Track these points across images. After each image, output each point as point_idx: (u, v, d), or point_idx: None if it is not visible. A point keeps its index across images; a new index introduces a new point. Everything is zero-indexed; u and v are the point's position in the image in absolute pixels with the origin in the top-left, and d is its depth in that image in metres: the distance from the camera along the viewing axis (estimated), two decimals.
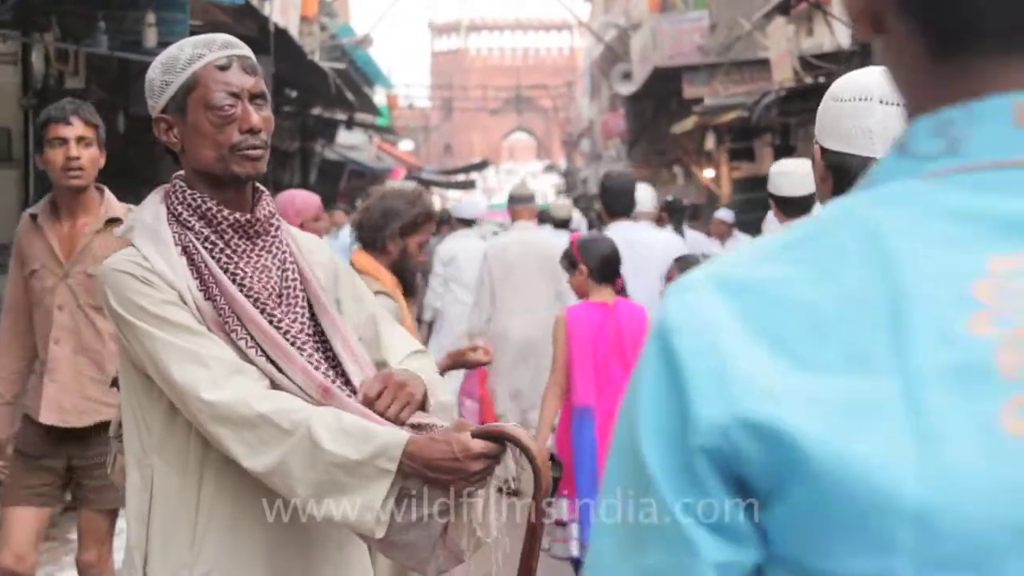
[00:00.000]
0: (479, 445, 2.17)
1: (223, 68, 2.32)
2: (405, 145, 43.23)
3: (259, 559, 2.32)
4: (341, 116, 21.80)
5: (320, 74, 15.89)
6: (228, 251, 2.32)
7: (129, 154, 11.79)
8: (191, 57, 2.33)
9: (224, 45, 2.36)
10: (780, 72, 13.86)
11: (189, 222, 2.33)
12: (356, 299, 2.55)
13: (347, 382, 2.35)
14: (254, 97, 2.34)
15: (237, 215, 2.34)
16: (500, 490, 2.28)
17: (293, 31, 14.97)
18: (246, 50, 2.39)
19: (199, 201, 2.34)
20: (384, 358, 2.51)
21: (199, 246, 2.31)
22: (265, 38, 12.27)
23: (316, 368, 2.29)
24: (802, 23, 15.29)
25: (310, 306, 2.40)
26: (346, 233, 12.57)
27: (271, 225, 2.39)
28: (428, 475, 2.17)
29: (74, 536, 7.45)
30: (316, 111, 20.39)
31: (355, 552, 2.48)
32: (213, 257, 2.31)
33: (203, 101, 2.31)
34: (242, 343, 2.27)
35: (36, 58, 10.12)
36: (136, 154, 11.26)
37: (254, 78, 2.35)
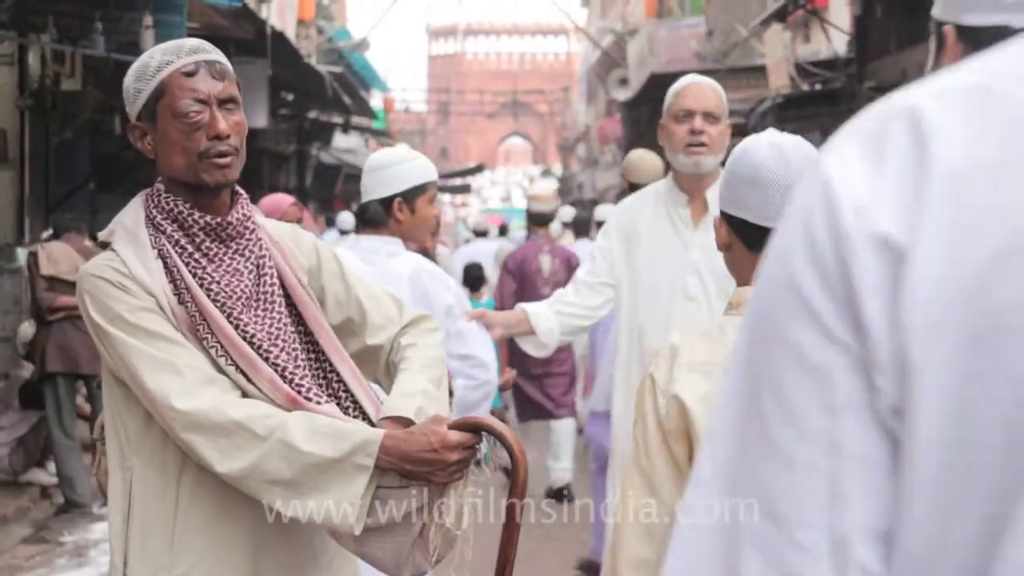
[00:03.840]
0: (456, 436, 2.22)
1: (190, 74, 2.30)
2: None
3: (241, 560, 2.32)
4: (337, 119, 21.79)
5: (317, 77, 15.89)
6: (198, 255, 2.32)
7: (125, 156, 11.78)
8: (160, 64, 2.32)
9: (192, 51, 2.33)
10: (776, 79, 13.87)
11: (163, 226, 2.33)
12: (342, 281, 2.53)
13: (339, 379, 2.37)
14: (224, 102, 2.31)
15: (208, 218, 2.33)
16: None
17: (290, 34, 14.95)
18: (216, 54, 2.36)
19: (172, 204, 2.33)
20: (375, 342, 2.51)
21: (171, 250, 2.31)
22: (262, 41, 12.27)
23: (286, 377, 2.28)
24: (798, 30, 15.30)
25: (296, 308, 2.40)
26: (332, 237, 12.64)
27: (245, 228, 2.37)
28: (406, 468, 2.20)
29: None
30: (312, 114, 20.38)
31: (340, 552, 2.48)
32: (184, 261, 2.31)
33: (171, 108, 2.30)
34: (213, 351, 2.27)
35: (32, 59, 10.11)
36: (132, 155, 11.24)
37: (223, 83, 2.32)
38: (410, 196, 3.81)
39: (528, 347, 4.37)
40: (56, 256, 7.96)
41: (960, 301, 0.72)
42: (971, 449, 0.72)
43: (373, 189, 3.85)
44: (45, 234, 11.10)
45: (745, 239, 2.13)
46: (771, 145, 2.13)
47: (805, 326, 0.77)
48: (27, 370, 8.81)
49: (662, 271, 4.17)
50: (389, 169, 3.82)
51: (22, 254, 10.10)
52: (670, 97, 4.20)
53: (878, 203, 0.75)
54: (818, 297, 0.77)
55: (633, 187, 6.51)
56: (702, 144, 4.05)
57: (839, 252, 0.76)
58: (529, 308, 4.28)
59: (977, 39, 1.56)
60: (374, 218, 3.85)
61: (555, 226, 10.76)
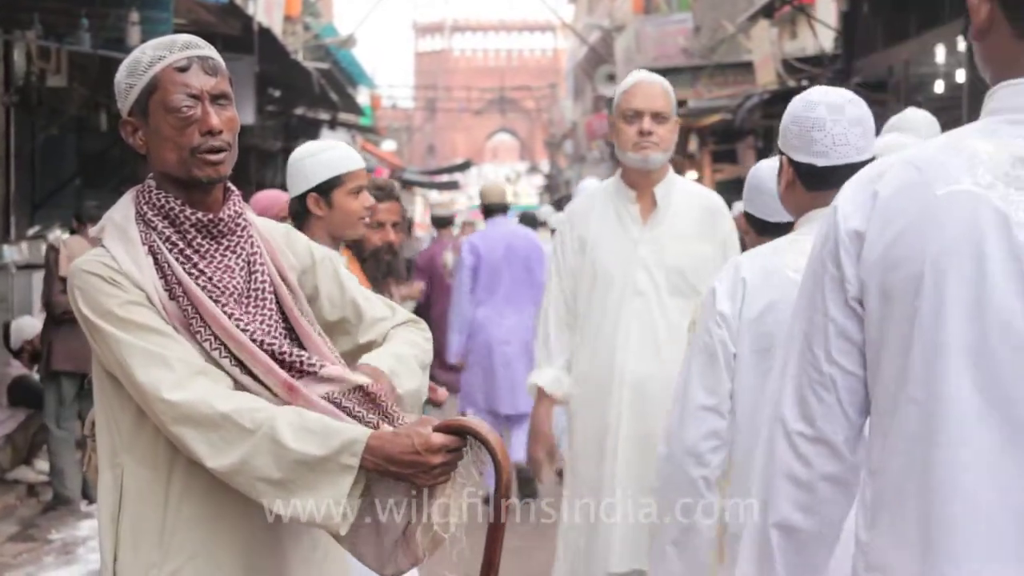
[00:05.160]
0: (439, 439, 2.21)
1: (182, 70, 2.30)
2: (388, 145, 43.10)
3: (233, 557, 2.32)
4: (324, 116, 21.76)
5: (304, 74, 15.86)
6: (189, 251, 2.32)
7: (112, 152, 11.75)
8: (152, 59, 2.32)
9: (185, 46, 2.33)
10: (763, 75, 13.91)
11: (153, 222, 2.33)
12: (337, 283, 2.54)
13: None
14: (216, 98, 2.31)
15: (200, 215, 2.33)
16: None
17: (277, 31, 14.93)
18: (208, 50, 2.36)
19: (163, 201, 2.33)
20: (367, 339, 2.54)
21: (162, 246, 2.31)
22: (249, 37, 12.24)
23: (284, 361, 2.28)
24: (785, 26, 15.33)
25: (281, 307, 2.40)
26: None
27: (237, 225, 2.37)
28: (390, 469, 2.20)
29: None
30: (299, 111, 20.34)
31: (332, 549, 2.48)
32: (174, 257, 2.31)
33: (163, 104, 2.29)
34: (206, 344, 2.27)
35: (18, 55, 10.06)
36: (119, 152, 11.21)
37: (215, 78, 2.32)
38: (325, 189, 3.63)
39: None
40: (76, 254, 7.92)
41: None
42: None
43: (292, 187, 3.70)
44: (31, 231, 11.05)
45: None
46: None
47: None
48: (15, 367, 8.79)
49: (612, 267, 4.19)
50: (302, 163, 3.66)
51: (8, 251, 10.07)
52: (619, 95, 4.23)
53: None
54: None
55: (486, 208, 8.51)
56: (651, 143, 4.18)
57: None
58: (546, 387, 4.35)
59: (798, 168, 2.73)
60: (295, 217, 3.65)
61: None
